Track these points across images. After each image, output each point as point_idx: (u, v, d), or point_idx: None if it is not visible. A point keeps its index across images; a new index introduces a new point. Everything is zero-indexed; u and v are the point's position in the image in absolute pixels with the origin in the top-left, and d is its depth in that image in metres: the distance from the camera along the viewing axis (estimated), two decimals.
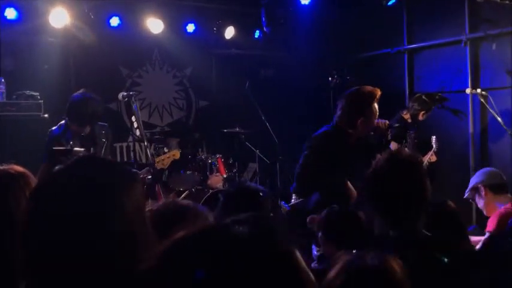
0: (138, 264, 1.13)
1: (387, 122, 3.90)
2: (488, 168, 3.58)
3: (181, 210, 1.85)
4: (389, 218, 2.03)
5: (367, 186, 2.11)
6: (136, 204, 1.16)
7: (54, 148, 3.08)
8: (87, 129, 3.86)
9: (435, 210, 2.34)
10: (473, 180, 3.43)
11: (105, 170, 1.18)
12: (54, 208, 1.09)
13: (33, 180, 1.83)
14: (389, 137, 5.41)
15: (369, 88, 3.66)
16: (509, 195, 3.39)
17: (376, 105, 3.63)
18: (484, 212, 3.44)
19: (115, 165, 1.22)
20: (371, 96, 3.60)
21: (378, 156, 2.15)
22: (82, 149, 3.52)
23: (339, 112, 3.68)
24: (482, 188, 3.35)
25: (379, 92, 3.63)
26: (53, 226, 1.07)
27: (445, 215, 2.52)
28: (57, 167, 1.15)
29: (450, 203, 2.75)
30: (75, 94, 3.94)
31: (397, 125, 4.88)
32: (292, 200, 3.96)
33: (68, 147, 3.38)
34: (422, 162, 2.30)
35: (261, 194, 2.36)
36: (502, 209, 3.25)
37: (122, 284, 1.09)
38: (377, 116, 3.66)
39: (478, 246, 3.24)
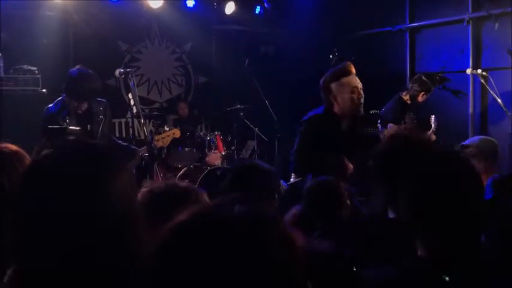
0: (127, 248, 1.15)
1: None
2: (480, 137, 3.47)
3: (182, 192, 1.85)
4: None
5: (377, 165, 2.03)
6: (125, 187, 1.16)
7: (48, 127, 3.05)
8: (85, 106, 3.83)
9: None
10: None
11: (90, 158, 1.18)
12: (44, 188, 1.10)
13: (28, 159, 1.83)
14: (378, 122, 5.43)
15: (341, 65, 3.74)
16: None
17: (349, 79, 3.64)
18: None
19: (101, 152, 1.21)
20: (339, 71, 3.67)
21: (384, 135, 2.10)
22: (77, 128, 3.50)
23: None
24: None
25: (349, 67, 3.66)
26: (42, 205, 1.08)
27: None
28: (45, 151, 1.15)
29: None
30: (72, 70, 3.90)
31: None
32: (291, 179, 3.97)
33: (63, 126, 3.36)
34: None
35: (271, 171, 2.36)
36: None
37: (112, 267, 1.10)
38: (355, 87, 3.63)
39: None
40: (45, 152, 1.18)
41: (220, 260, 0.79)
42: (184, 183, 1.91)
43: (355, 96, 3.65)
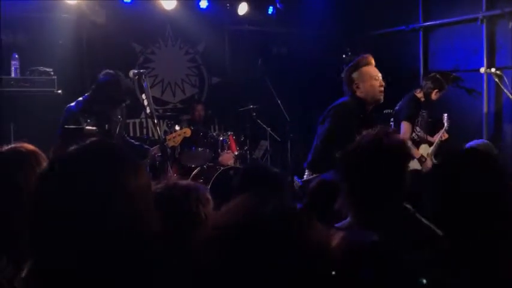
0: (142, 244, 1.17)
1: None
2: (479, 141, 3.44)
3: (183, 191, 1.87)
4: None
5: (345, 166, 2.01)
6: (141, 190, 1.18)
7: (65, 127, 3.09)
8: (119, 111, 3.91)
9: None
10: None
11: (112, 154, 1.20)
12: (60, 190, 1.11)
13: (44, 159, 1.86)
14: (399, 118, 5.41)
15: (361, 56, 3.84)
16: None
17: (369, 68, 3.73)
18: None
19: (119, 153, 1.24)
20: (361, 61, 3.77)
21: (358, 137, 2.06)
22: (94, 128, 3.54)
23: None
24: None
25: (369, 58, 3.76)
26: (58, 207, 1.10)
27: None
28: (66, 151, 1.17)
29: None
30: (105, 75, 3.95)
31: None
32: (305, 176, 3.97)
33: (79, 126, 3.40)
34: (406, 147, 2.14)
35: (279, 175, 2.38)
36: None
37: (126, 263, 1.12)
38: (376, 77, 3.72)
39: None
40: (62, 152, 1.20)
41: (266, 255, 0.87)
42: (184, 182, 1.92)
43: (377, 83, 3.72)
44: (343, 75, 3.87)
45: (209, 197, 1.86)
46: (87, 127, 3.40)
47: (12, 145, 1.87)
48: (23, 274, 1.22)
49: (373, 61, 3.82)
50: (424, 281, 1.19)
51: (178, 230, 1.66)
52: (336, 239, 1.14)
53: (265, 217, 0.92)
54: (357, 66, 3.77)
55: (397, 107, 5.58)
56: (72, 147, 1.20)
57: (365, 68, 3.75)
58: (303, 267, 0.87)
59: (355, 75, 3.75)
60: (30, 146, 1.88)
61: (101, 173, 1.14)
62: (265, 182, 2.27)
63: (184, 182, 1.92)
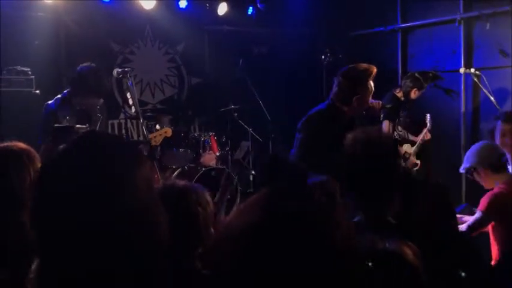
0: (148, 242, 1.14)
1: (380, 102, 3.90)
2: (485, 144, 3.46)
3: (182, 191, 1.84)
4: (357, 200, 1.98)
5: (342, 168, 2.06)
6: (146, 181, 1.15)
7: (55, 126, 3.03)
8: (101, 101, 3.82)
9: (422, 190, 2.30)
10: (471, 159, 3.36)
11: (113, 146, 1.16)
12: (64, 187, 1.07)
13: (37, 158, 1.82)
14: (381, 117, 5.43)
15: (365, 65, 3.64)
16: (508, 172, 3.35)
17: (371, 83, 3.60)
18: (484, 186, 3.39)
19: (122, 141, 1.20)
20: (367, 73, 3.56)
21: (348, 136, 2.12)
22: (84, 126, 3.48)
23: (335, 89, 3.65)
24: (481, 169, 3.29)
25: (375, 69, 3.58)
26: (63, 205, 1.06)
27: (433, 195, 2.49)
28: (62, 145, 1.13)
29: (438, 181, 2.76)
30: (84, 67, 3.86)
31: (389, 105, 4.88)
32: None
33: (69, 124, 3.34)
34: (392, 142, 2.20)
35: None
36: (496, 188, 3.24)
37: (135, 262, 1.09)
38: (372, 93, 3.65)
39: (463, 226, 3.25)
40: (61, 148, 1.15)
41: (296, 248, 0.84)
42: (182, 183, 1.89)
43: (374, 104, 3.67)
44: (340, 77, 3.61)
45: (209, 198, 1.83)
46: (77, 125, 3.33)
47: (4, 144, 1.82)
48: (31, 274, 1.18)
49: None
50: (463, 274, 1.19)
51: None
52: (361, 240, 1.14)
53: (284, 215, 0.89)
54: (366, 78, 3.55)
55: None
56: (68, 143, 1.15)
57: (370, 83, 3.58)
58: (327, 267, 0.84)
59: (360, 88, 3.54)
60: (22, 145, 1.84)
61: (104, 166, 1.10)
62: (285, 176, 2.24)
63: (181, 182, 1.89)
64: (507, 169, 3.33)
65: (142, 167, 1.15)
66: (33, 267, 1.16)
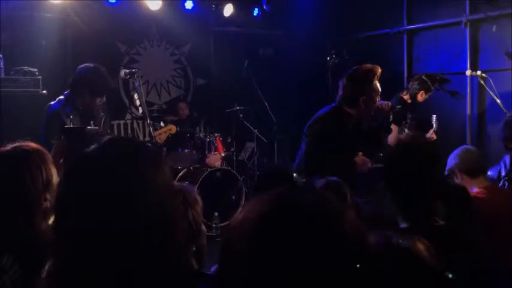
0: (169, 241, 1.15)
1: (390, 103, 3.88)
2: (465, 148, 3.43)
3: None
4: (398, 202, 2.02)
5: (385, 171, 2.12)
6: (166, 181, 1.17)
7: (65, 127, 3.04)
8: (103, 100, 3.82)
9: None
10: (451, 162, 3.34)
11: (135, 148, 1.18)
12: (88, 187, 1.09)
13: (49, 158, 1.83)
14: (390, 119, 5.42)
15: (369, 66, 3.60)
16: (483, 178, 3.30)
17: (377, 83, 3.56)
18: None
19: (143, 143, 1.22)
20: (372, 73, 3.52)
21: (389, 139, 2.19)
22: (95, 128, 3.49)
23: (340, 92, 3.63)
24: (457, 172, 3.27)
25: (379, 69, 3.56)
26: (87, 205, 1.08)
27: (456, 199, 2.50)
28: (87, 148, 1.15)
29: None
30: (84, 67, 3.85)
31: (399, 107, 4.86)
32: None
33: (81, 126, 3.35)
34: (432, 148, 2.24)
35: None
36: (472, 193, 3.19)
37: (155, 261, 1.11)
38: (379, 93, 3.62)
39: None
40: (86, 150, 1.17)
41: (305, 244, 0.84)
42: (177, 183, 1.90)
43: (383, 105, 3.63)
44: (345, 79, 3.57)
45: (197, 197, 1.83)
46: (88, 127, 3.35)
47: (16, 144, 1.83)
48: (43, 274, 1.19)
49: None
50: (450, 275, 1.20)
51: None
52: (375, 236, 1.14)
53: (294, 205, 0.89)
54: (371, 78, 3.50)
55: None
56: (93, 146, 1.17)
57: (376, 83, 3.52)
58: (337, 260, 0.84)
59: (366, 89, 3.49)
60: (34, 144, 1.85)
61: (128, 168, 1.12)
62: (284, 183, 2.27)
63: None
64: (485, 175, 3.29)
65: (163, 168, 1.17)
66: (46, 267, 1.17)
